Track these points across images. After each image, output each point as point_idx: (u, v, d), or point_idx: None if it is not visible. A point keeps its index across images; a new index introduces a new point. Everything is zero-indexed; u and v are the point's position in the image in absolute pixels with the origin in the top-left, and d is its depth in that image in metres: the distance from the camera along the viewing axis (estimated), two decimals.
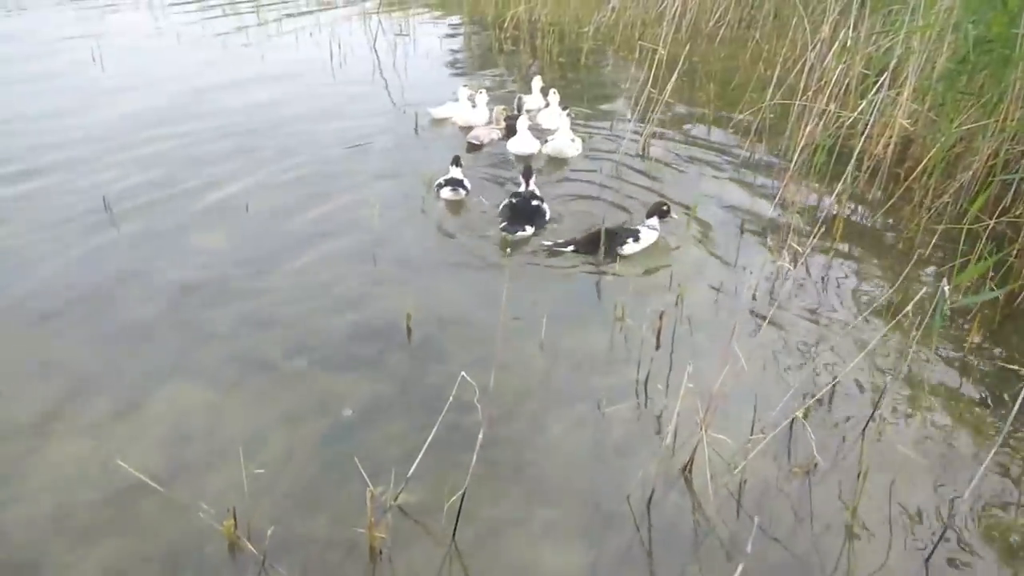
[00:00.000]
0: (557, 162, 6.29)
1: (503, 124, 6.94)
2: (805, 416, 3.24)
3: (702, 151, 6.53)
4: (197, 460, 3.09)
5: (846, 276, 4.61)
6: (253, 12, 12.26)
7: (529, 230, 4.83)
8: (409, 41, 10.52)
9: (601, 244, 4.56)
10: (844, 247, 4.91)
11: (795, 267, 4.55)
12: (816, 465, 3.11)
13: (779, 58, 8.54)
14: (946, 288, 3.12)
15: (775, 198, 5.36)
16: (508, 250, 4.70)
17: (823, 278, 4.55)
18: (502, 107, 7.22)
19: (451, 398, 2.87)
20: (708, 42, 10.50)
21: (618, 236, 4.69)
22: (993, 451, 2.90)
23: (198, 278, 4.40)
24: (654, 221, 4.77)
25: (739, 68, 8.99)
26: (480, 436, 2.70)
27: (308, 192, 5.57)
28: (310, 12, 12.52)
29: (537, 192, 5.14)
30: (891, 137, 5.40)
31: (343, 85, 8.37)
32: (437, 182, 5.51)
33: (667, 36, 10.29)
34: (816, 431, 3.19)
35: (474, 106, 7.07)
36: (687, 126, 7.23)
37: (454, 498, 2.76)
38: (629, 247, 4.68)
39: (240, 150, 6.35)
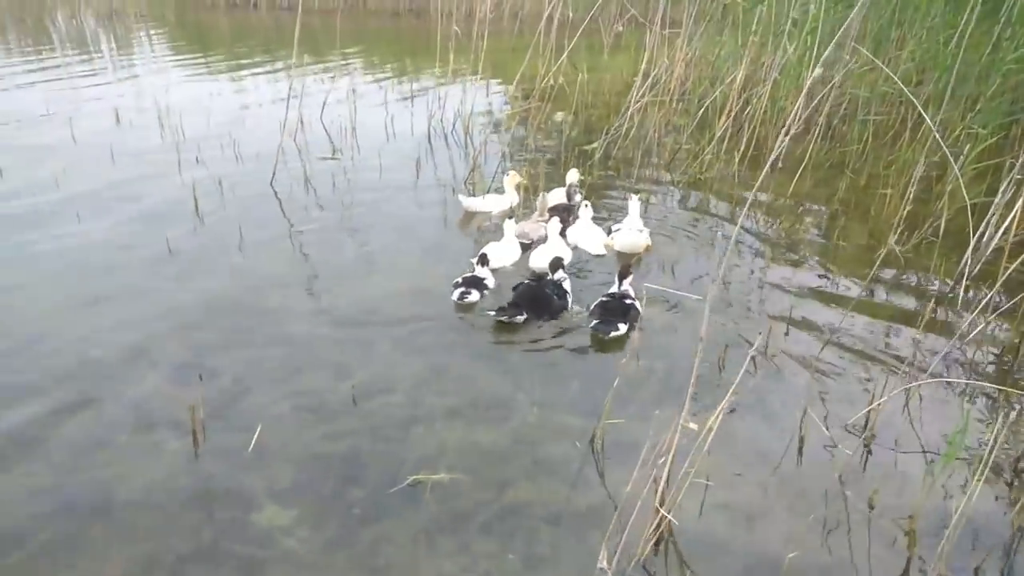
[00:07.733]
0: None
1: (547, 216, 5.80)
2: None
3: None
4: None
5: None
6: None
7: (622, 328, 4.48)
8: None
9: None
10: None
11: None
12: None
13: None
14: None
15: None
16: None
17: None
18: (543, 195, 6.21)
19: None
20: (785, 176, 7.17)
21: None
22: None
23: None
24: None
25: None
26: None
27: None
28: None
29: (630, 292, 4.78)
30: None
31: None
32: (454, 281, 4.90)
33: (717, 165, 7.21)
34: None
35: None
36: None
37: None
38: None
39: None
